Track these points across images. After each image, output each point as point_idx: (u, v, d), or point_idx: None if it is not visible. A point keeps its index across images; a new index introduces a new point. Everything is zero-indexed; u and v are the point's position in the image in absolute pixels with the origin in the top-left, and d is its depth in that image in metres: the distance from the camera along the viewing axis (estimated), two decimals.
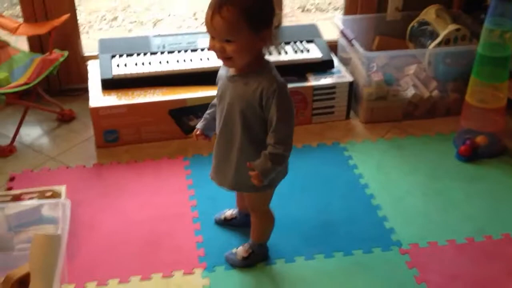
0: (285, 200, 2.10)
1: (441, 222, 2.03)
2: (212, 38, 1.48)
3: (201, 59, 2.60)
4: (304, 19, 3.80)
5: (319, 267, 1.85)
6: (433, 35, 2.68)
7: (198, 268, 1.83)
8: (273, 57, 2.64)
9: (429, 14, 2.77)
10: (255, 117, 1.56)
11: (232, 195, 2.00)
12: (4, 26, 2.54)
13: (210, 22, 1.44)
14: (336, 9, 3.92)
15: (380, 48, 2.80)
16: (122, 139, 2.44)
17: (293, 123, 1.57)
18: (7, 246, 1.78)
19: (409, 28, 2.81)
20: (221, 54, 1.49)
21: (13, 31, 2.53)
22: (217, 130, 1.67)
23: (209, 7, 1.45)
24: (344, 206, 2.10)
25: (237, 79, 1.56)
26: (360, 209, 2.08)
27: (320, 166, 2.31)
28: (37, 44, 2.68)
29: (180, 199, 2.13)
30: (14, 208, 1.87)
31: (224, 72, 1.62)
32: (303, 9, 4.00)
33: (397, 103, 2.60)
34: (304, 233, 1.98)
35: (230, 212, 2.00)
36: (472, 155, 2.33)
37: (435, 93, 2.61)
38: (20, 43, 2.71)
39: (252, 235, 1.85)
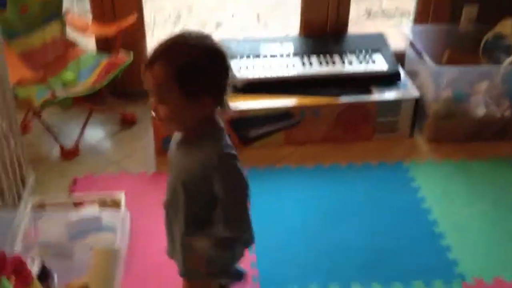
0: (340, 222, 2.06)
1: (510, 256, 1.93)
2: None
3: (263, 67, 2.57)
4: (369, 25, 3.69)
5: None
6: (509, 50, 2.54)
7: None
8: (336, 67, 2.58)
9: (506, 26, 2.62)
10: (199, 193, 1.29)
11: (284, 215, 1.96)
12: (73, 26, 2.60)
13: (144, 79, 1.21)
14: (403, 15, 3.78)
15: (450, 62, 2.67)
16: None
17: (246, 200, 1.30)
18: (68, 254, 1.82)
19: (483, 42, 2.67)
20: (156, 115, 1.24)
21: (82, 31, 2.59)
22: (164, 204, 1.41)
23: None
24: (404, 232, 2.03)
25: (181, 147, 1.31)
26: (421, 236, 2.01)
27: (379, 186, 2.24)
28: (104, 43, 2.72)
29: None
30: (75, 216, 1.91)
31: (176, 136, 1.36)
32: (369, 14, 3.89)
33: (466, 122, 2.49)
34: (360, 258, 1.92)
35: None
36: None
37: (508, 113, 2.48)
38: (87, 40, 2.76)
39: None
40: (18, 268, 1.45)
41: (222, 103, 1.26)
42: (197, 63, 1.18)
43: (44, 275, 1.67)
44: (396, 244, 1.97)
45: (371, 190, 2.22)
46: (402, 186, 2.24)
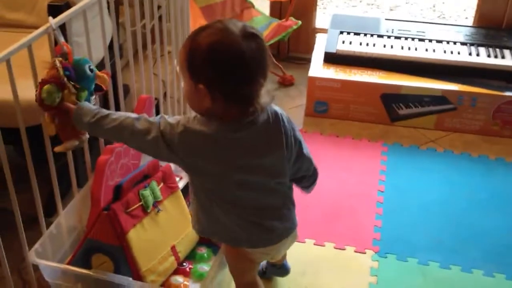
0: (478, 209, 2.02)
1: None
2: None
3: (426, 50, 2.55)
4: None
5: (497, 287, 1.73)
6: None
7: (370, 250, 1.86)
8: (504, 61, 2.48)
9: None
10: None
11: (420, 192, 1.96)
12: None
13: None
14: None
15: None
16: (330, 112, 2.54)
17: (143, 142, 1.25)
18: None
19: None
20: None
21: None
22: None
23: None
24: None
25: None
26: None
27: None
28: (277, 10, 2.90)
29: (370, 181, 2.16)
30: None
31: None
32: None
33: None
34: (490, 248, 1.86)
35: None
36: None
37: None
38: (263, 4, 2.95)
39: None
40: (167, 177, 1.65)
41: (227, 103, 1.18)
42: (200, 53, 1.16)
43: (187, 191, 1.86)
44: None
45: None
46: None
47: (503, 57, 2.51)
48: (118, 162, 1.64)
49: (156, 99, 2.16)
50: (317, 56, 2.63)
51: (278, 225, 1.35)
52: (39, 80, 1.34)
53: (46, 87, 1.30)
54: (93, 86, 1.42)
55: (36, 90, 1.33)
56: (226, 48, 1.15)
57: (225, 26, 1.17)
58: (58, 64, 1.32)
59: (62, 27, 1.44)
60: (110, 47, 1.78)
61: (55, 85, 1.31)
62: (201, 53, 1.16)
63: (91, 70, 1.39)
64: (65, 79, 1.32)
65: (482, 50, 2.55)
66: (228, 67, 1.16)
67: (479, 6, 2.77)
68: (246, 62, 1.15)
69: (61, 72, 1.32)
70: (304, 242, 1.88)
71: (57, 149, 1.41)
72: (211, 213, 1.31)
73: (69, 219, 1.60)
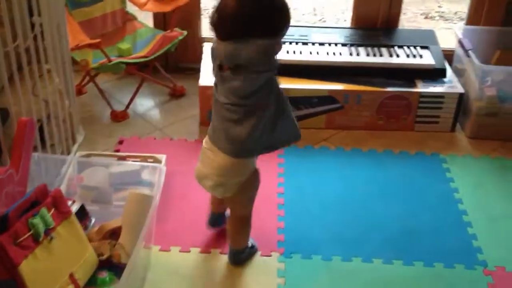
0: (372, 201, 2.11)
1: None
2: None
3: (310, 53, 2.64)
4: (425, 26, 3.70)
5: (396, 273, 1.82)
6: None
7: (275, 252, 1.88)
8: (383, 59, 2.62)
9: None
10: None
11: (318, 189, 2.03)
12: (133, 1, 2.75)
13: None
14: (462, 19, 3.76)
15: (499, 63, 2.66)
16: None
17: None
18: (107, 200, 1.93)
19: None
20: None
21: (141, 6, 2.72)
22: None
23: None
24: (432, 217, 2.04)
25: None
26: (449, 223, 2.02)
27: (414, 174, 2.27)
28: (161, 21, 2.86)
29: (269, 184, 2.18)
30: (118, 168, 2.02)
31: None
32: (427, 16, 3.89)
33: (509, 121, 2.47)
34: (386, 236, 1.96)
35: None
36: None
37: None
38: (146, 19, 2.90)
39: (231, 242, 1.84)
40: (58, 202, 1.55)
41: None
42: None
43: (82, 215, 1.78)
44: (422, 227, 1.99)
45: (405, 175, 2.25)
46: (436, 175, 2.25)
47: (381, 55, 2.66)
48: (1, 191, 1.52)
49: (39, 120, 2.05)
50: (206, 65, 2.62)
51: None
52: None
53: None
54: None
55: None
56: None
57: None
58: None
59: None
60: None
61: None
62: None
63: None
64: None
65: (361, 50, 2.68)
66: None
67: (355, 8, 2.91)
68: None
69: None
70: (210, 253, 1.87)
71: None
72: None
73: None
